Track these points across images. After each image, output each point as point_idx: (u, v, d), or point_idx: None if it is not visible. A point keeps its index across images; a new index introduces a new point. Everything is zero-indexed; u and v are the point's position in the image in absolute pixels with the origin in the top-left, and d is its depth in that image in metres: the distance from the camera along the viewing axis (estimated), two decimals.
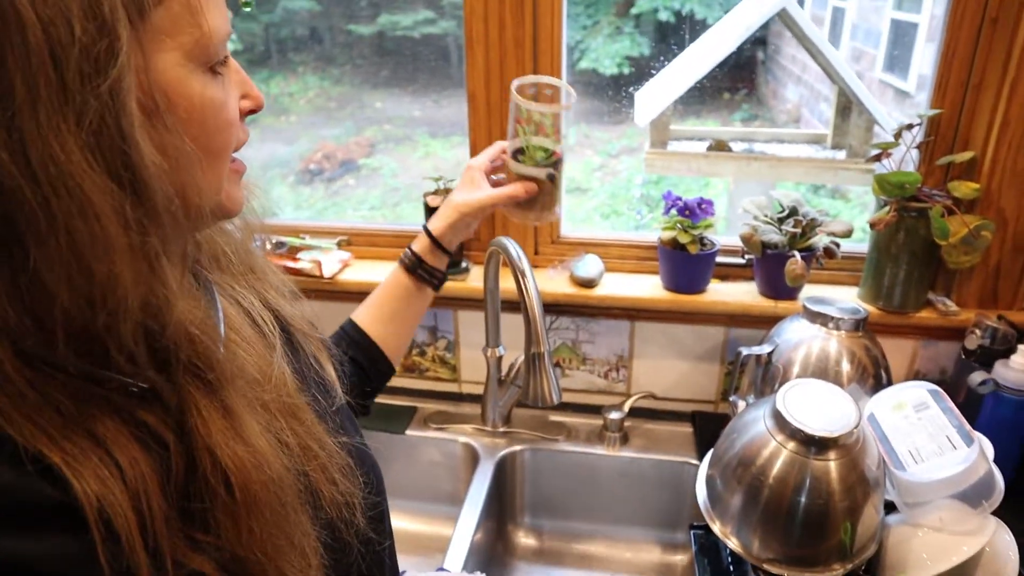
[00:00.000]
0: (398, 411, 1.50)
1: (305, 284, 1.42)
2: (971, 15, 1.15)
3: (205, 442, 0.48)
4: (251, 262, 0.69)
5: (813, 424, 0.91)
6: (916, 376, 1.35)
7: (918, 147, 1.23)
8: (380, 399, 1.53)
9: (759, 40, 3.11)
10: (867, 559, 0.95)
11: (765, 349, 1.19)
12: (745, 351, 1.19)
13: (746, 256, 1.36)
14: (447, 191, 1.40)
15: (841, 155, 1.47)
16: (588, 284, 1.36)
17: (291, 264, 1.42)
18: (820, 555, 0.93)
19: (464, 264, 1.45)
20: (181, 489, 0.48)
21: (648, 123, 1.49)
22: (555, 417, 1.46)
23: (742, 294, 1.33)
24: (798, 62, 3.04)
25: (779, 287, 1.28)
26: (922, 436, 0.98)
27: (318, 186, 3.86)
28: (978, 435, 0.94)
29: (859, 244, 1.35)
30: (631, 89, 1.65)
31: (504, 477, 1.39)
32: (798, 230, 1.25)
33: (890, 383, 1.15)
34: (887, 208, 1.19)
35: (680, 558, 1.38)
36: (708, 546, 1.13)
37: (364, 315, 1.03)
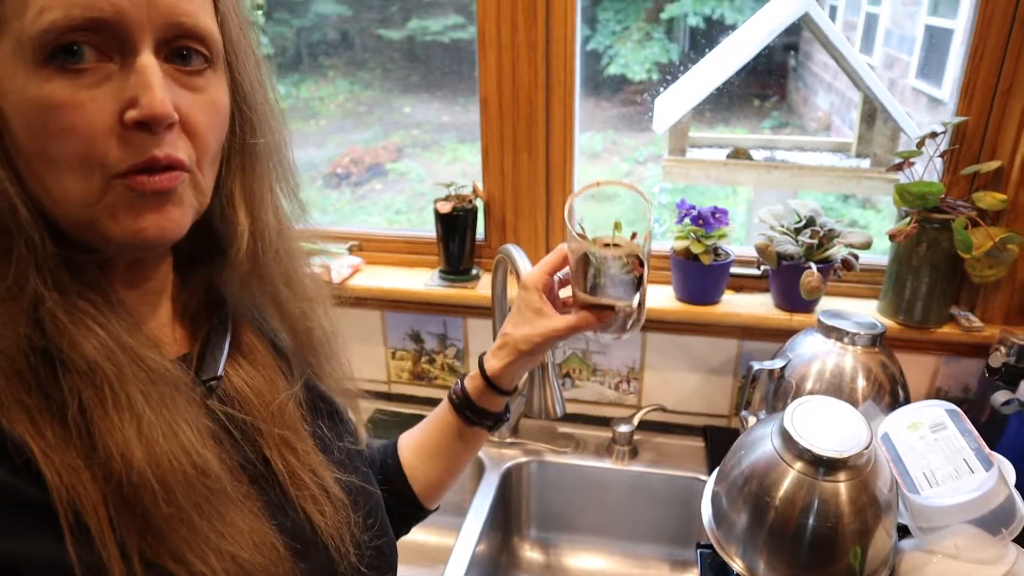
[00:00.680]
0: (406, 419, 1.48)
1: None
2: (1000, 16, 1.10)
3: (98, 441, 0.47)
4: (288, 285, 0.64)
5: (822, 444, 0.88)
6: (937, 394, 1.30)
7: (942, 156, 1.18)
8: (389, 406, 1.53)
9: (790, 46, 3.05)
10: None
11: (777, 364, 1.15)
12: (757, 365, 1.16)
13: (761, 267, 1.32)
14: (458, 197, 1.39)
15: (866, 164, 1.43)
16: None
17: None
18: None
19: (474, 271, 1.43)
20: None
21: (666, 130, 1.47)
22: (563, 428, 1.43)
23: (757, 306, 1.30)
24: (830, 69, 2.98)
25: (795, 300, 1.24)
26: (938, 458, 0.94)
27: (345, 190, 3.89)
28: (998, 458, 0.90)
29: (880, 256, 1.30)
30: (659, 95, 1.62)
31: (510, 488, 1.37)
32: (815, 241, 1.21)
33: (907, 401, 1.10)
34: (908, 219, 1.15)
35: None
36: (715, 566, 1.09)
37: (407, 439, 0.89)
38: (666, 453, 1.36)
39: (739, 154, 1.49)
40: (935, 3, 2.63)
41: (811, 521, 0.88)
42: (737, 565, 0.93)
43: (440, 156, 3.85)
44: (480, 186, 1.41)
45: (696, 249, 1.25)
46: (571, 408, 1.46)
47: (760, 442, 0.95)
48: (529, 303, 0.81)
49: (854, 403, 1.05)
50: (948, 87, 2.47)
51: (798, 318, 1.26)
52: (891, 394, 1.10)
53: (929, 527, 0.90)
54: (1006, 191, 1.14)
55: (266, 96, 0.58)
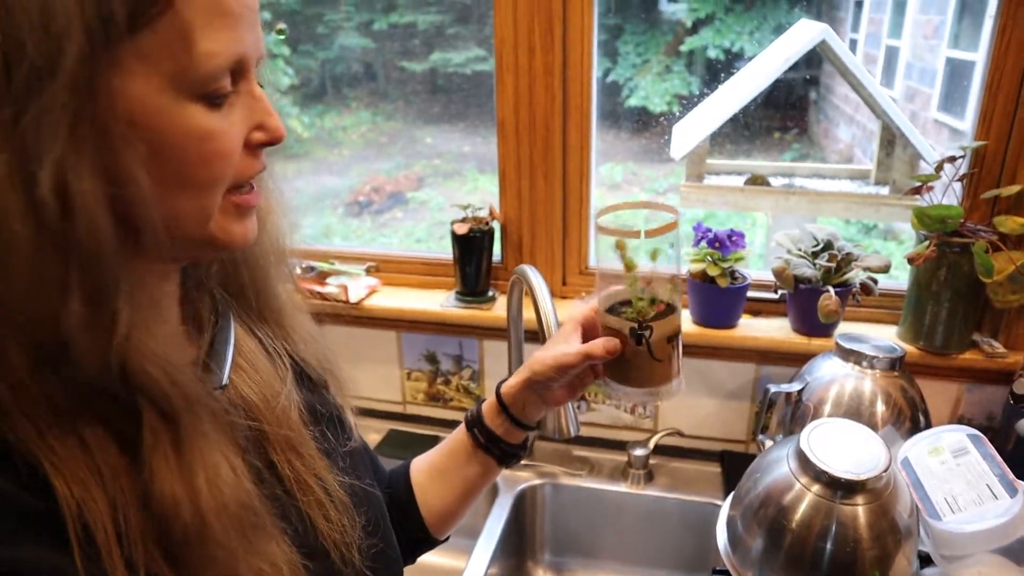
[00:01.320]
0: (420, 440, 1.48)
1: (331, 309, 1.44)
2: (1018, 42, 1.10)
3: (148, 472, 0.47)
4: (272, 296, 0.66)
5: (839, 466, 0.86)
6: (960, 422, 1.28)
7: (961, 180, 1.17)
8: (402, 426, 1.53)
9: (811, 79, 3.07)
10: None
11: (795, 387, 1.14)
12: (774, 388, 1.14)
13: (779, 291, 1.31)
14: (475, 219, 1.40)
15: (885, 191, 1.42)
16: None
17: (318, 288, 1.43)
18: None
19: (490, 293, 1.43)
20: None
21: (683, 156, 1.47)
22: (578, 451, 1.42)
23: (774, 330, 1.28)
24: (851, 101, 2.98)
25: (812, 323, 1.23)
26: (960, 483, 0.92)
27: (366, 218, 3.93)
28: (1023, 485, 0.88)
29: (899, 282, 1.29)
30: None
31: (523, 511, 1.36)
32: (833, 264, 1.21)
33: (928, 427, 1.08)
34: (927, 243, 1.14)
35: None
36: None
37: (421, 459, 0.88)
38: (682, 478, 1.34)
39: (757, 180, 1.49)
40: (956, 35, 2.64)
41: (829, 546, 0.85)
42: None
43: (461, 185, 3.89)
44: (497, 208, 1.42)
45: (713, 272, 1.24)
46: (586, 431, 1.45)
47: (776, 464, 0.93)
48: (561, 330, 0.80)
49: (873, 429, 1.03)
50: (970, 119, 2.47)
51: (816, 342, 1.24)
52: (911, 420, 1.08)
53: (952, 555, 0.88)
54: None
55: None
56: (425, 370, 1.52)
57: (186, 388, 0.49)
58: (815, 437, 0.90)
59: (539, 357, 0.78)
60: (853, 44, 3.13)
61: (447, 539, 0.89)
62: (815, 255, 1.24)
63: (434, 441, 1.46)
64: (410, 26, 3.51)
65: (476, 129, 3.62)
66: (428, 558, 1.35)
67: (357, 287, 1.44)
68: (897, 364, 1.09)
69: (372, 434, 1.51)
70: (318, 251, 1.53)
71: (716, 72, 3.27)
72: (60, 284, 0.43)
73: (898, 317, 1.27)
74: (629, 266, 0.75)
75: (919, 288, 1.20)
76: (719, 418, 1.39)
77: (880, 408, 1.08)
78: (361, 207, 3.96)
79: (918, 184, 1.18)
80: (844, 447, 0.89)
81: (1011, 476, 0.88)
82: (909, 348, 1.21)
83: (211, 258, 0.59)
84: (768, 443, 1.18)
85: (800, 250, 1.26)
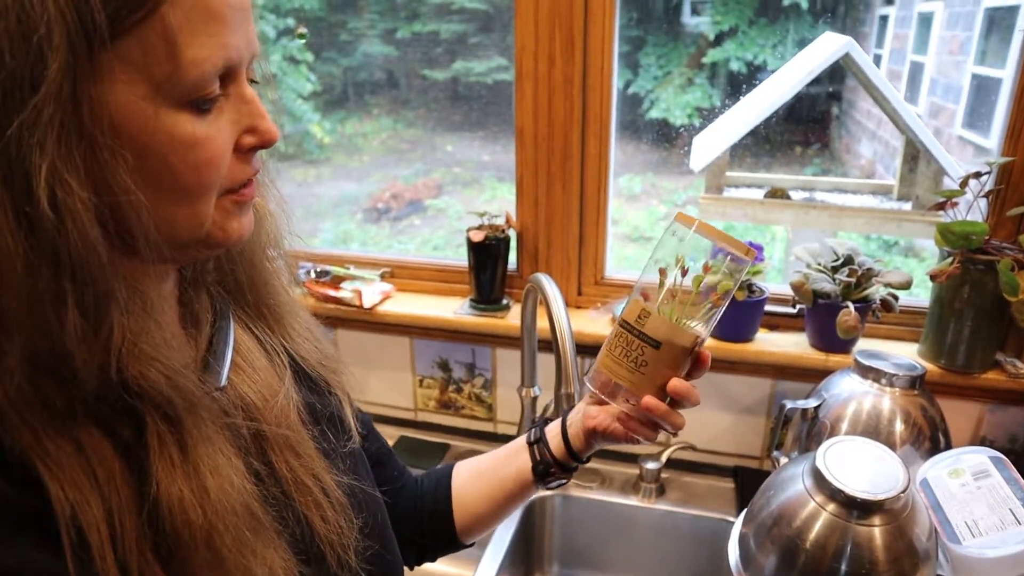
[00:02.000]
0: (430, 447, 1.47)
1: (344, 313, 1.44)
2: None
3: (154, 476, 0.47)
4: (269, 293, 0.66)
5: (855, 485, 0.84)
6: (982, 443, 1.25)
7: (986, 196, 1.15)
8: (413, 433, 1.52)
9: (833, 94, 3.04)
10: None
11: (811, 403, 1.12)
12: (790, 404, 1.12)
13: (797, 305, 1.29)
14: (492, 226, 1.39)
15: (907, 207, 1.40)
16: None
17: (332, 293, 1.43)
18: None
19: (505, 301, 1.43)
20: (151, 513, 0.47)
21: (703, 168, 1.46)
22: (590, 464, 1.40)
23: (791, 345, 1.26)
24: (873, 117, 2.95)
25: (831, 339, 1.21)
26: (981, 507, 0.89)
27: (384, 224, 3.94)
28: None
29: (921, 299, 1.27)
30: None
31: (532, 523, 1.34)
32: (852, 280, 1.19)
33: (949, 448, 1.06)
34: (950, 260, 1.12)
35: None
36: None
37: (471, 459, 0.88)
38: (694, 493, 1.32)
39: (777, 194, 1.47)
40: (982, 52, 2.60)
41: (843, 567, 0.84)
42: None
43: (479, 194, 3.89)
44: (513, 216, 1.41)
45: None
46: None
47: (791, 482, 0.91)
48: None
49: (891, 447, 1.01)
50: (996, 136, 2.43)
51: (834, 359, 1.22)
52: (931, 440, 1.06)
53: None
54: None
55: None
56: (437, 377, 1.51)
57: (187, 391, 0.49)
58: (831, 455, 0.88)
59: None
60: (877, 59, 3.09)
61: (472, 545, 0.88)
62: (835, 270, 1.22)
63: (444, 449, 1.46)
64: (433, 35, 3.52)
65: (496, 138, 3.62)
66: (435, 566, 1.34)
67: (371, 292, 1.43)
68: (917, 382, 1.07)
69: None
70: (333, 255, 1.53)
71: (738, 85, 3.25)
72: (55, 297, 0.42)
73: (919, 335, 1.25)
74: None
75: (941, 305, 1.17)
76: (733, 433, 1.37)
77: (899, 427, 1.05)
78: (380, 213, 3.98)
79: (942, 200, 1.16)
80: (861, 466, 0.87)
81: None
82: (930, 366, 1.18)
83: (207, 256, 0.58)
84: (783, 460, 1.16)
85: (820, 264, 1.24)
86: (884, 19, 3.12)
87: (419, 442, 1.49)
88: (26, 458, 0.44)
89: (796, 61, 1.47)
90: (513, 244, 1.42)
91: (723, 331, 1.28)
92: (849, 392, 1.09)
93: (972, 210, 1.15)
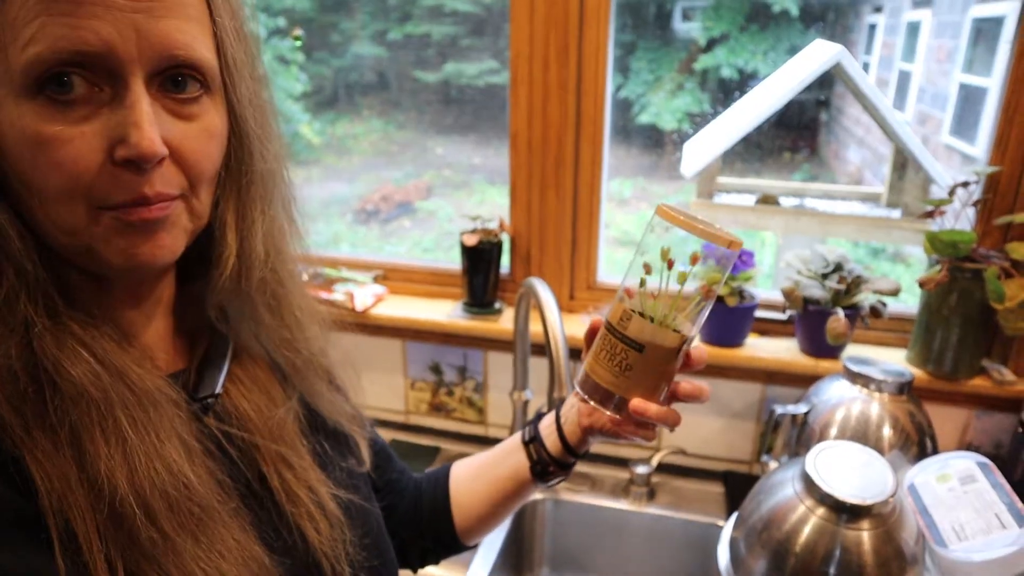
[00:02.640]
0: (421, 451, 1.47)
1: (336, 316, 1.43)
2: None
3: (89, 455, 0.47)
4: (283, 313, 0.64)
5: (844, 489, 0.85)
6: (968, 448, 1.26)
7: (974, 205, 1.17)
8: (404, 436, 1.52)
9: (822, 100, 3.06)
10: None
11: (801, 409, 1.13)
12: (780, 409, 1.13)
13: (787, 311, 1.30)
14: (485, 230, 1.39)
15: (896, 214, 1.41)
16: None
17: (325, 295, 1.43)
18: None
19: (497, 305, 1.43)
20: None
21: (694, 174, 1.47)
22: (580, 467, 1.41)
23: (782, 351, 1.27)
24: (862, 123, 2.98)
25: (820, 345, 1.22)
26: (967, 512, 0.90)
27: (374, 226, 3.94)
28: None
29: (909, 306, 1.28)
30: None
31: (523, 526, 1.35)
32: (842, 286, 1.20)
33: (936, 453, 1.07)
34: (938, 267, 1.13)
35: None
36: None
37: (467, 458, 0.87)
38: (685, 497, 1.33)
39: (767, 200, 1.48)
40: (969, 61, 2.63)
41: (832, 571, 0.85)
42: None
43: (469, 197, 3.90)
44: (507, 220, 1.41)
45: (721, 291, 1.24)
46: None
47: (780, 486, 0.92)
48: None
49: (879, 452, 1.02)
50: (982, 144, 2.46)
51: (823, 364, 1.23)
52: (919, 445, 1.07)
53: None
54: None
55: (264, 118, 0.56)
56: (429, 380, 1.52)
57: (107, 381, 0.48)
58: (821, 460, 0.89)
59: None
60: (865, 67, 3.12)
61: (475, 546, 0.88)
62: (825, 276, 1.23)
63: (435, 452, 1.46)
64: (425, 37, 3.52)
65: (487, 141, 3.62)
66: (426, 571, 1.34)
67: (364, 295, 1.44)
68: (905, 388, 1.08)
69: None
70: (327, 258, 1.53)
71: (729, 91, 3.27)
72: None
73: (907, 341, 1.26)
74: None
75: (929, 312, 1.19)
76: (724, 438, 1.38)
77: (887, 432, 1.07)
78: (369, 215, 3.97)
79: (930, 208, 1.17)
80: (850, 471, 0.88)
81: (1020, 505, 0.87)
82: (918, 372, 1.20)
83: (131, 275, 0.53)
84: (773, 464, 1.17)
85: (810, 271, 1.26)
86: (873, 27, 3.15)
87: (410, 446, 1.49)
88: (16, 453, 0.44)
89: (787, 68, 1.48)
90: (506, 248, 1.42)
91: (714, 336, 1.29)
92: (838, 397, 1.10)
93: (960, 218, 1.17)
